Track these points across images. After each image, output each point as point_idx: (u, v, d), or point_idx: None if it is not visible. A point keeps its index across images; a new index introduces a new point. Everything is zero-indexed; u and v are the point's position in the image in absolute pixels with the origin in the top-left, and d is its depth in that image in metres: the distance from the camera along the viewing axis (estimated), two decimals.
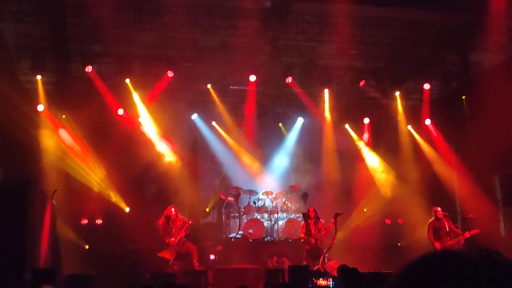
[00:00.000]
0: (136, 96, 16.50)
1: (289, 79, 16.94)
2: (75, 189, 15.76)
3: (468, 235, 13.41)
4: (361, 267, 8.26)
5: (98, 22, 15.10)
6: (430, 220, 13.83)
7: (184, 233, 13.70)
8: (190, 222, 14.07)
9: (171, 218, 13.74)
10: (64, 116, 16.15)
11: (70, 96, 15.97)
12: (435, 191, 17.22)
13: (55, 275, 11.05)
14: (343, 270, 8.09)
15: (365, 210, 17.40)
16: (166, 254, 13.51)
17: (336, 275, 10.37)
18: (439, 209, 13.70)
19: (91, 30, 15.53)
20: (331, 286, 7.38)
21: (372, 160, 18.33)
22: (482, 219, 15.16)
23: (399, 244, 17.18)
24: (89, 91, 16.04)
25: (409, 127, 18.27)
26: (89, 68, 15.88)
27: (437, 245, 13.23)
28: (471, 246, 14.29)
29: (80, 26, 15.54)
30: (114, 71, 16.53)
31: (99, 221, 16.06)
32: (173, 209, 13.93)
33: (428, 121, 18.11)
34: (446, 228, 13.62)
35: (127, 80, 16.27)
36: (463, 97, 17.60)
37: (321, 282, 8.75)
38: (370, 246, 15.69)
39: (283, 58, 16.81)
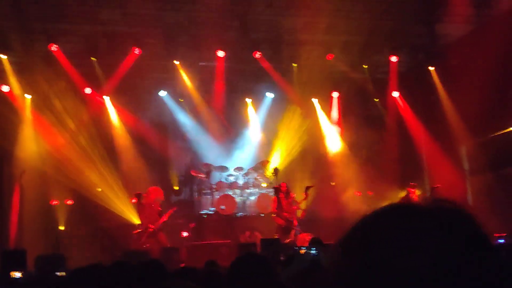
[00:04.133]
0: (102, 75, 16.26)
1: (257, 54, 16.89)
2: (44, 170, 15.58)
3: None
4: (331, 240, 8.37)
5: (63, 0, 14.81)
6: (403, 195, 14.05)
7: (166, 218, 13.72)
8: (173, 211, 14.09)
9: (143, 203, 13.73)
10: (30, 97, 15.88)
11: (35, 75, 15.68)
12: (404, 162, 17.48)
13: (25, 257, 10.97)
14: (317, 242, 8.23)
15: (332, 183, 17.58)
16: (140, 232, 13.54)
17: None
18: (413, 188, 13.95)
19: (55, 8, 15.20)
20: (313, 255, 7.46)
21: (341, 134, 18.46)
22: (450, 188, 15.45)
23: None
24: (54, 70, 15.77)
25: (377, 100, 18.43)
26: (54, 47, 15.58)
27: None
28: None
29: (43, 3, 15.19)
30: (79, 49, 16.24)
31: (69, 202, 15.92)
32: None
33: (396, 94, 18.27)
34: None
35: (93, 59, 16.02)
36: (431, 68, 17.75)
37: (303, 250, 8.89)
38: (340, 218, 15.89)
39: (251, 33, 16.70)
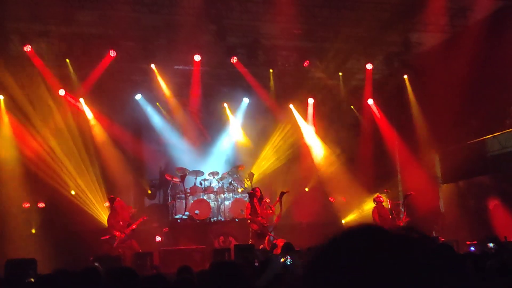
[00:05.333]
0: (76, 77, 16.09)
1: (234, 59, 16.88)
2: (17, 172, 15.35)
3: (402, 224, 14.10)
4: (305, 245, 8.40)
5: (37, 0, 14.60)
6: (375, 206, 14.17)
7: (135, 227, 13.60)
8: (142, 219, 13.97)
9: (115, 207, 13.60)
10: (2, 97, 15.66)
11: (8, 76, 15.44)
12: (378, 169, 17.61)
13: None
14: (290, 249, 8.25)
15: (306, 189, 17.63)
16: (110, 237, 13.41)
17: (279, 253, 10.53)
18: (382, 198, 14.10)
19: (30, 8, 15.00)
20: (288, 263, 7.48)
21: (316, 140, 18.54)
22: (422, 196, 15.63)
23: (343, 221, 17.54)
24: (28, 71, 15.55)
25: (352, 107, 18.58)
26: (28, 48, 15.37)
27: None
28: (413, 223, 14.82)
29: (18, 4, 14.98)
30: (54, 50, 16.05)
31: (41, 205, 15.70)
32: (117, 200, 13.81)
33: (370, 101, 18.43)
34: (389, 211, 14.05)
35: (67, 60, 15.83)
36: (405, 76, 17.96)
37: (280, 259, 8.90)
38: (314, 224, 15.97)
39: (228, 38, 16.69)
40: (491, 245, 9.68)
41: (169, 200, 16.60)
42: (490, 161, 16.22)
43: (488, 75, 14.67)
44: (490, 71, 14.63)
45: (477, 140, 16.21)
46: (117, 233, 13.28)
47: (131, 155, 16.89)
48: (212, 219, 16.00)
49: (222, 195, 16.33)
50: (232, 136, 18.41)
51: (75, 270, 5.58)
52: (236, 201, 16.00)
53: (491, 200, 15.01)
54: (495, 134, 16.02)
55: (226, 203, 16.22)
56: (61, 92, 16.04)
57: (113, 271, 4.90)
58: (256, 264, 10.77)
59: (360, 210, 17.20)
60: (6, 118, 15.62)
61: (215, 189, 16.36)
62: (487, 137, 16.17)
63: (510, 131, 15.49)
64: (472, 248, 11.43)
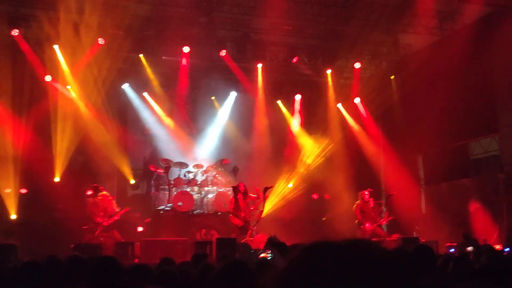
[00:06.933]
0: (64, 63, 15.95)
1: (223, 52, 16.86)
2: None
3: (384, 222, 14.21)
4: (287, 241, 8.45)
5: None
6: (358, 202, 14.24)
7: (118, 218, 13.57)
8: (125, 211, 13.93)
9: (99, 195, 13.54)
10: None
11: None
12: (361, 168, 17.71)
13: None
14: (274, 243, 8.30)
15: (290, 185, 17.68)
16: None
17: (262, 248, 10.58)
18: (366, 193, 14.18)
19: None
20: (269, 258, 7.59)
21: (302, 136, 18.59)
22: (404, 196, 15.75)
23: (324, 219, 17.64)
24: (14, 55, 15.40)
25: (339, 105, 18.64)
26: (15, 32, 15.21)
27: (367, 227, 13.72)
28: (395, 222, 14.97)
29: None
30: (42, 36, 15.89)
31: (23, 191, 15.58)
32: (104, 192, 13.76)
33: (357, 100, 18.51)
34: (371, 209, 14.15)
35: (56, 46, 15.69)
36: (392, 77, 18.06)
37: (261, 254, 9.01)
38: (296, 220, 16.04)
39: (217, 31, 16.68)
40: (469, 248, 9.82)
41: (152, 191, 16.57)
42: (472, 164, 16.41)
43: (474, 79, 14.80)
44: (476, 76, 14.77)
45: (460, 143, 16.38)
46: (100, 220, 13.24)
47: (116, 144, 16.79)
48: (194, 212, 15.99)
49: (205, 188, 16.33)
50: (218, 129, 18.38)
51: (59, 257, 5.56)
52: (219, 195, 16.00)
53: (472, 203, 15.16)
54: (478, 138, 16.21)
55: (210, 196, 16.23)
56: (48, 78, 15.90)
57: (95, 260, 4.90)
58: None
59: (341, 208, 17.30)
60: None
61: (199, 182, 16.35)
62: (470, 140, 16.35)
63: (493, 135, 15.68)
64: (452, 250, 11.56)
